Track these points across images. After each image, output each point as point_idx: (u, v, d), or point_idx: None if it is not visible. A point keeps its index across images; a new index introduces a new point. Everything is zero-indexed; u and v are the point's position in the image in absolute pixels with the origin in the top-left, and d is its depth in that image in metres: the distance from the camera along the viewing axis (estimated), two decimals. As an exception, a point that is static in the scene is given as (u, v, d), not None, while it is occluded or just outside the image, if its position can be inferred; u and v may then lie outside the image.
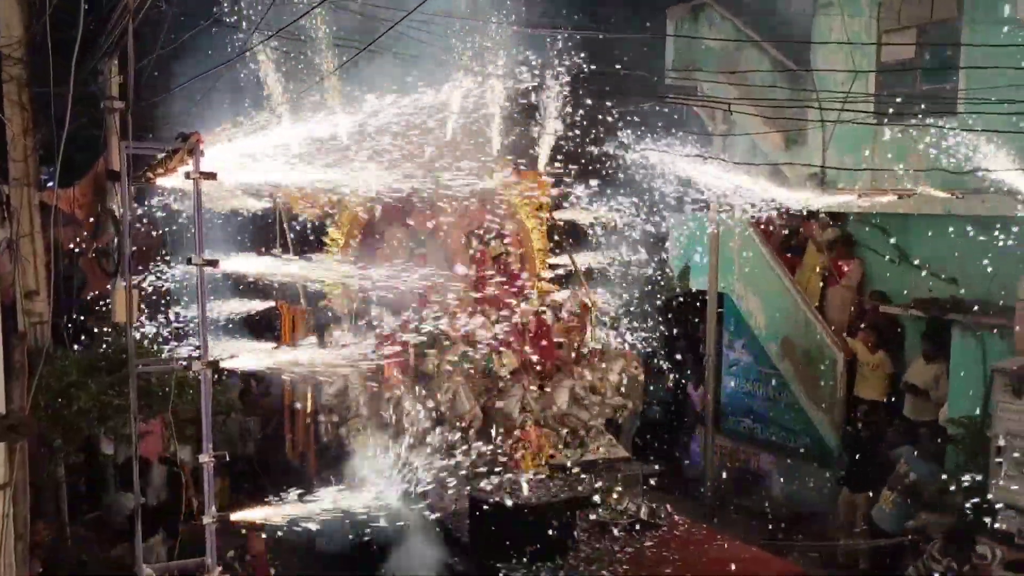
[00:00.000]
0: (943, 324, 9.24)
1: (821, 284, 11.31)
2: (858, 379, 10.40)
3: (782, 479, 11.00)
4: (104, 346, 7.45)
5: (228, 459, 7.80)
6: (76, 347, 7.50)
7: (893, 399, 10.11)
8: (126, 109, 4.78)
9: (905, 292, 10.27)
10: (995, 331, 8.67)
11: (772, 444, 11.43)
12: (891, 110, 9.96)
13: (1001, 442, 7.75)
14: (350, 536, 7.44)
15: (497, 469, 8.84)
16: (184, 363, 4.90)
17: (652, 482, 9.80)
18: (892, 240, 10.61)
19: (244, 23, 8.77)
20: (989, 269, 9.19)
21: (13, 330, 5.20)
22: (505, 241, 10.85)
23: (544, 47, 10.59)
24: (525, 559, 7.56)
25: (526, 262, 11.05)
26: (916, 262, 10.30)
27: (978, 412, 8.64)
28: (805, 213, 11.30)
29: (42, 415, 5.73)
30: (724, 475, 11.56)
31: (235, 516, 5.64)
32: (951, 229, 9.65)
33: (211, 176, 5.01)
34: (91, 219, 9.14)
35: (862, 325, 10.55)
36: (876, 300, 10.46)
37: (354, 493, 6.21)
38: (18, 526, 3.52)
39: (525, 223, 10.94)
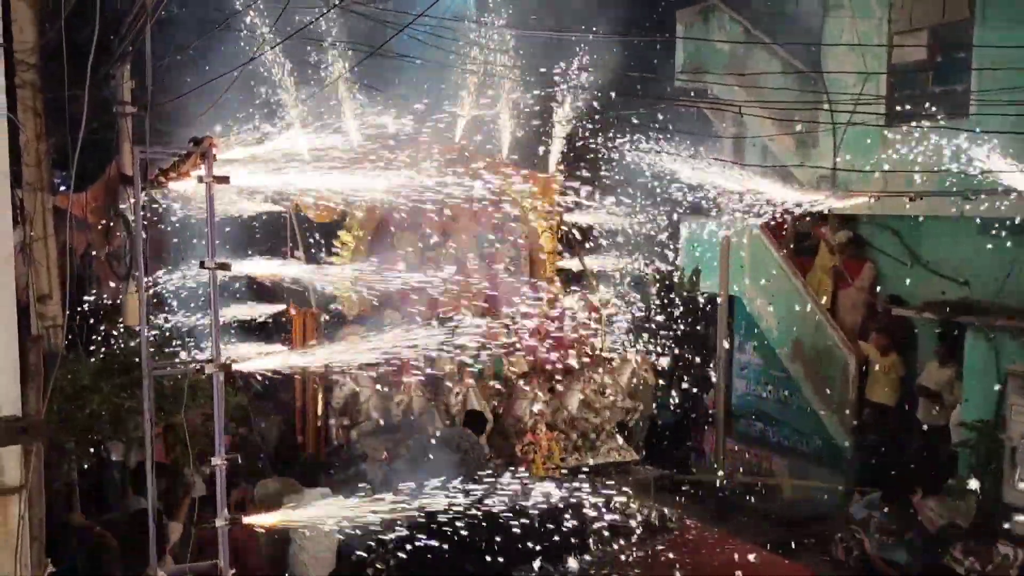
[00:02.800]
0: (956, 327, 9.19)
1: (832, 287, 11.27)
2: (870, 382, 10.35)
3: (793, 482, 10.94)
4: (115, 349, 7.47)
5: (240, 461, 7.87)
6: (89, 350, 7.52)
7: (905, 403, 10.05)
8: (144, 112, 4.79)
9: (917, 295, 10.21)
10: (1009, 333, 8.61)
11: (783, 447, 11.38)
12: (903, 111, 9.94)
13: (1015, 445, 7.70)
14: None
15: (508, 472, 8.83)
16: (197, 366, 4.91)
17: (663, 485, 9.77)
18: (904, 242, 10.56)
19: (254, 25, 8.81)
20: (1002, 271, 9.14)
21: (27, 333, 5.23)
22: (515, 244, 10.87)
23: (554, 51, 10.61)
24: (535, 563, 7.54)
25: (536, 265, 11.05)
26: (928, 264, 10.25)
27: (992, 415, 8.58)
28: (816, 215, 11.28)
29: (54, 418, 5.75)
30: (735, 478, 11.50)
31: (248, 519, 5.65)
32: (963, 231, 9.60)
33: (224, 180, 5.02)
34: (103, 223, 9.20)
35: (874, 328, 10.49)
36: (889, 303, 10.41)
37: (364, 498, 6.18)
38: (33, 528, 3.54)
39: (535, 226, 10.95)
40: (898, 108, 10.30)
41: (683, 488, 10.78)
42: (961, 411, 9.02)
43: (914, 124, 9.87)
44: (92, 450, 7.36)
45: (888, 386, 10.18)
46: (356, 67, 8.85)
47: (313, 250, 10.20)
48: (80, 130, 4.26)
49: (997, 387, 8.46)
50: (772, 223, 11.76)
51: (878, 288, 10.96)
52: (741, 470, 11.60)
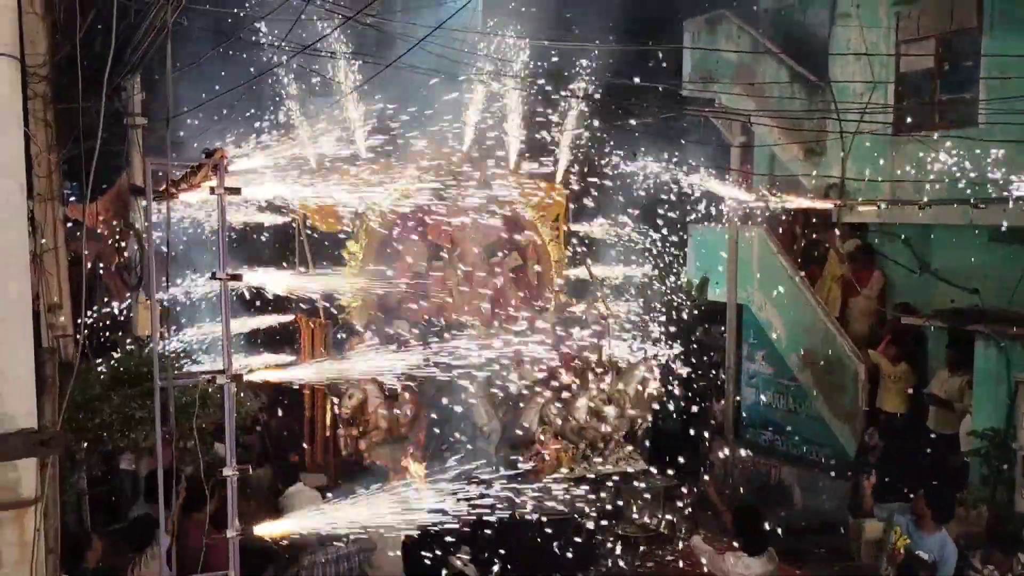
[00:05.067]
0: (966, 335, 9.15)
1: (841, 295, 11.24)
2: (880, 391, 10.30)
3: (803, 491, 10.89)
4: (125, 359, 7.48)
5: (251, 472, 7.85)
6: (98, 360, 7.53)
7: (916, 411, 10.01)
8: (153, 123, 4.82)
9: (927, 303, 10.18)
10: (1019, 341, 8.57)
11: (792, 456, 11.34)
12: (911, 120, 9.94)
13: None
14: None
15: (516, 482, 8.81)
16: (209, 376, 4.92)
17: (672, 494, 9.72)
18: (913, 250, 10.54)
19: (264, 38, 8.85)
20: (1012, 279, 9.11)
21: (37, 343, 5.23)
22: (522, 253, 10.87)
23: (562, 60, 10.63)
24: (545, 572, 7.52)
25: (543, 274, 11.05)
26: (938, 272, 10.23)
27: (1003, 424, 8.53)
28: (825, 223, 11.27)
29: (66, 428, 5.75)
30: (744, 487, 11.47)
31: (258, 530, 5.65)
32: (972, 239, 9.58)
33: (235, 191, 5.04)
34: (113, 234, 9.24)
35: (884, 336, 10.46)
36: (899, 311, 10.37)
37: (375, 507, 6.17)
38: (49, 540, 3.54)
39: (542, 235, 10.95)
40: (906, 117, 10.30)
41: (691, 497, 10.74)
42: (971, 420, 8.98)
43: (922, 133, 9.86)
44: (103, 460, 7.38)
45: (898, 395, 10.13)
46: (368, 80, 8.87)
47: (314, 258, 10.20)
48: (96, 140, 4.27)
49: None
50: (780, 231, 11.77)
51: (887, 296, 10.93)
52: (749, 478, 11.56)
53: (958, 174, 9.30)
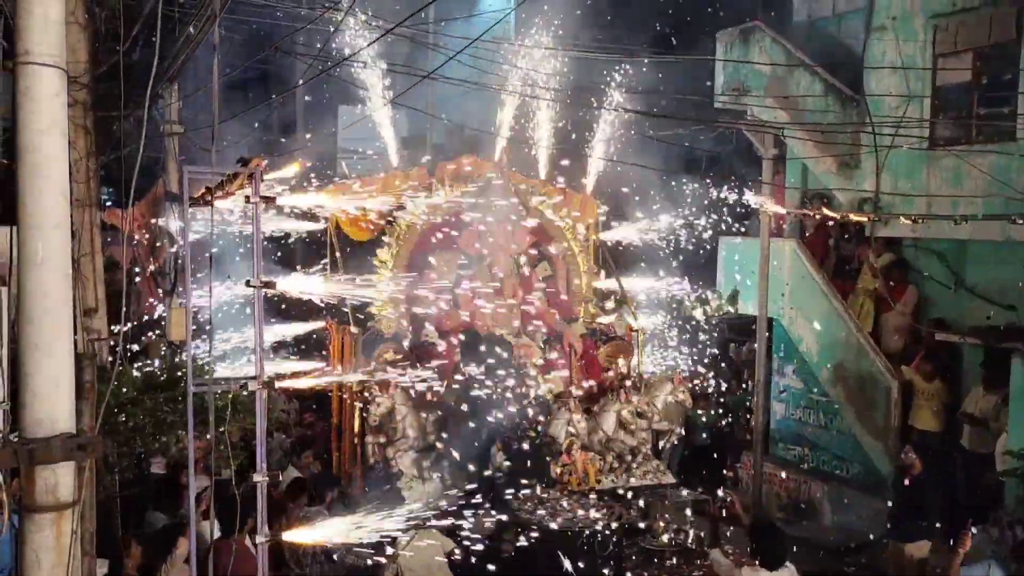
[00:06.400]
0: (1003, 352, 9.00)
1: (874, 310, 11.10)
2: (913, 408, 10.16)
3: (833, 508, 10.76)
4: (157, 363, 7.57)
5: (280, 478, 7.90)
6: (133, 364, 7.63)
7: (951, 430, 9.86)
8: (212, 136, 4.87)
9: (963, 319, 10.04)
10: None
11: (822, 472, 11.21)
12: (948, 134, 9.81)
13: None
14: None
15: (543, 493, 8.79)
16: (241, 382, 4.95)
17: (700, 508, 9.63)
18: (949, 266, 10.40)
19: (299, 48, 8.94)
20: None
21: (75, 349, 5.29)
22: (552, 263, 10.87)
23: (594, 71, 10.64)
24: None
25: (572, 285, 11.03)
26: (974, 288, 10.08)
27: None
28: (859, 237, 11.15)
29: (101, 432, 5.81)
30: (773, 503, 11.35)
31: (287, 536, 5.68)
32: (1010, 255, 9.44)
33: (271, 200, 5.08)
34: (148, 239, 9.36)
35: (918, 353, 10.31)
36: (933, 327, 10.23)
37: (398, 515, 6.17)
38: (85, 543, 3.58)
39: (572, 246, 10.94)
40: (943, 131, 10.17)
41: (719, 511, 10.64)
42: (1007, 439, 8.82)
43: (959, 147, 9.73)
44: (135, 463, 7.46)
45: (932, 413, 9.99)
46: (402, 94, 8.93)
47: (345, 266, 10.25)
48: (138, 147, 4.33)
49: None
50: (812, 245, 11.65)
51: (922, 312, 10.79)
52: (779, 494, 11.45)
53: (995, 189, 9.18)
